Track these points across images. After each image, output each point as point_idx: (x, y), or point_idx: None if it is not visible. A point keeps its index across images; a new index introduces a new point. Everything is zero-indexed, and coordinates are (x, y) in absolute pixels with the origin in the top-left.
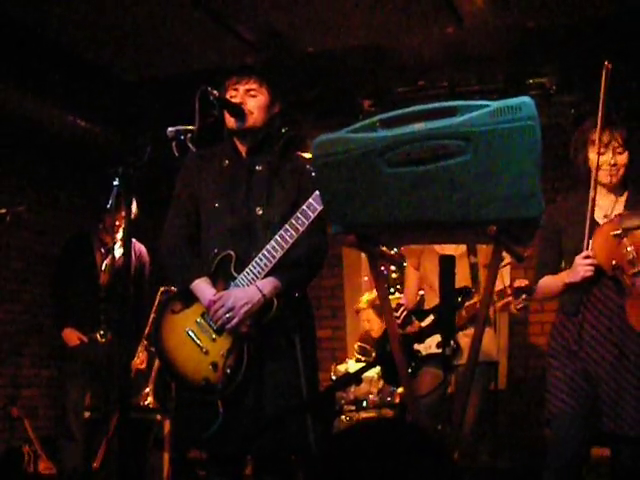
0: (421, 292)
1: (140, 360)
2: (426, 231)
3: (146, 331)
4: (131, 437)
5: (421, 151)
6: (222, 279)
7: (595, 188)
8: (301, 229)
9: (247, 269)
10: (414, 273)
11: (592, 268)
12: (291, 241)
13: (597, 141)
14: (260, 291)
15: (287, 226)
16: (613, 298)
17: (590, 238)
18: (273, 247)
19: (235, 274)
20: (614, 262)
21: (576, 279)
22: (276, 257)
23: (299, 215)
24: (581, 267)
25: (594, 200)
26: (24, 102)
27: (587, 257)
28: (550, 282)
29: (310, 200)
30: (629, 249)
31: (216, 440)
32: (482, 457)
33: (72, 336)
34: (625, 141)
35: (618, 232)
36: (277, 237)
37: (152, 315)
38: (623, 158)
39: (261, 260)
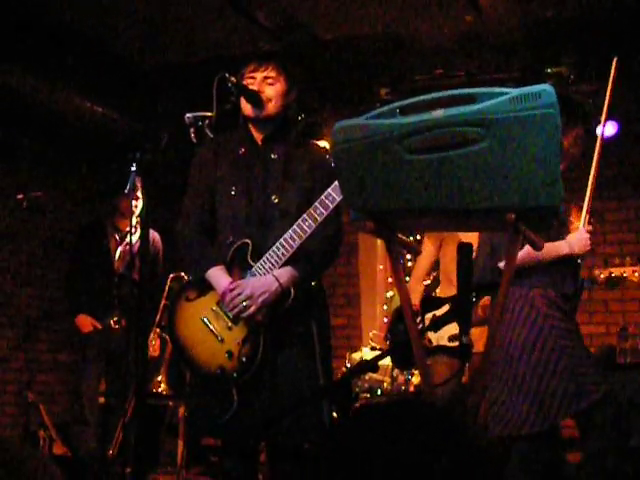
0: (426, 282)
1: (153, 348)
2: (444, 218)
3: (157, 318)
4: (146, 423)
5: (440, 138)
6: (238, 268)
7: (597, 167)
8: (319, 219)
9: (264, 258)
10: (430, 254)
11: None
12: (309, 231)
13: (601, 135)
14: (277, 280)
15: (305, 216)
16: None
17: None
18: (291, 236)
19: (252, 263)
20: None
21: (582, 251)
22: (293, 247)
23: (318, 205)
24: (587, 240)
25: (595, 177)
26: (40, 88)
27: (589, 232)
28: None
29: (329, 190)
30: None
31: (229, 427)
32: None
33: (85, 322)
34: None
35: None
36: (295, 227)
37: (163, 302)
38: None
39: (278, 249)
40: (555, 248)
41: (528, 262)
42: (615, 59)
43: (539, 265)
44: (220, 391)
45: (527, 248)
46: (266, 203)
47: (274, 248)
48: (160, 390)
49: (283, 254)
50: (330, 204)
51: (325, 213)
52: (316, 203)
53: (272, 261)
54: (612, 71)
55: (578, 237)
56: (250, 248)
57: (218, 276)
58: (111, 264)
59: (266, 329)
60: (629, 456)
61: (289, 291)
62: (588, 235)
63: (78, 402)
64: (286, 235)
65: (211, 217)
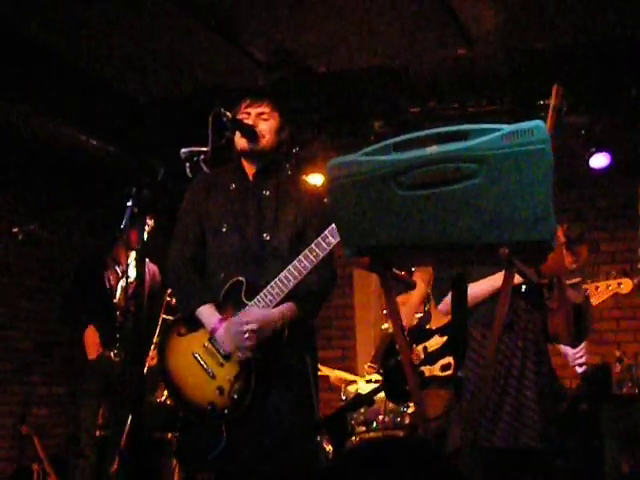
0: (418, 314)
1: (151, 357)
2: (438, 253)
3: (157, 331)
4: (143, 457)
5: (434, 174)
6: (232, 305)
7: None
8: (315, 261)
9: (259, 297)
10: (420, 290)
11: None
12: (305, 272)
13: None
14: (282, 315)
15: (301, 257)
16: (523, 308)
17: None
18: (286, 276)
19: (246, 301)
20: (551, 270)
21: (516, 281)
22: (289, 287)
23: (314, 247)
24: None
25: None
26: (37, 121)
27: None
28: (470, 290)
29: (326, 232)
30: (572, 259)
31: (219, 463)
32: None
33: (93, 341)
34: None
35: (563, 242)
36: (291, 267)
37: (162, 316)
38: None
39: (273, 289)
40: (489, 282)
41: (471, 302)
42: (555, 86)
43: (479, 302)
44: (210, 426)
45: None
46: (258, 240)
47: (269, 287)
48: (164, 399)
49: (278, 294)
50: (327, 246)
51: (322, 255)
52: (312, 245)
53: (267, 300)
54: (552, 97)
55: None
56: (244, 286)
57: (208, 314)
58: (111, 297)
59: (258, 366)
60: None
61: (283, 330)
62: None
63: (76, 435)
64: (281, 275)
65: (200, 251)
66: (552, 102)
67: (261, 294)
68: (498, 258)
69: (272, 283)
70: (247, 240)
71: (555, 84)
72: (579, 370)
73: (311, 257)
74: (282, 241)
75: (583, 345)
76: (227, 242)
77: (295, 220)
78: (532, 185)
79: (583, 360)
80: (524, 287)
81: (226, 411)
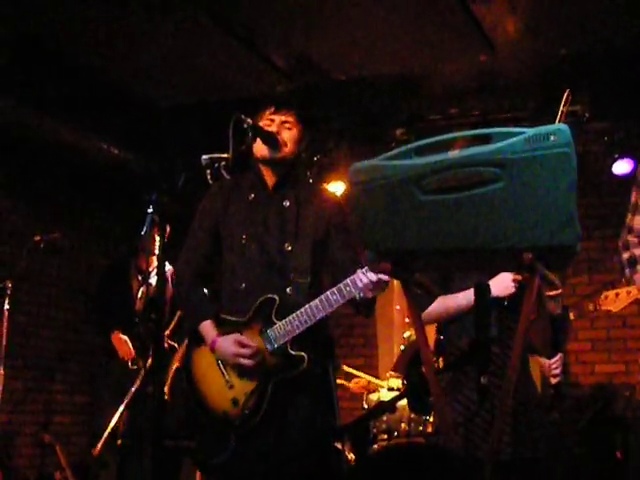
0: None
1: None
2: (461, 258)
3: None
4: (164, 465)
5: (456, 178)
6: (260, 322)
7: None
8: (347, 297)
9: (286, 320)
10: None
11: (517, 284)
12: (335, 306)
13: None
14: None
15: (335, 290)
16: (507, 320)
17: None
18: (317, 306)
19: (275, 320)
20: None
21: (503, 293)
22: (317, 317)
23: (349, 282)
24: (510, 281)
25: None
26: (58, 130)
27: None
28: (446, 302)
29: (361, 272)
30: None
31: (227, 469)
32: None
33: (123, 340)
34: None
35: None
36: (322, 297)
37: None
38: None
39: (302, 315)
40: (467, 295)
41: (447, 314)
42: (567, 91)
43: (458, 314)
44: (221, 433)
45: (439, 300)
46: (279, 250)
47: (298, 313)
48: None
49: (306, 321)
50: (360, 284)
51: (354, 292)
52: (347, 280)
53: (294, 325)
54: (562, 102)
55: (498, 280)
56: (276, 305)
57: (206, 331)
58: (133, 304)
59: (275, 385)
60: None
61: (302, 357)
62: (511, 276)
63: (96, 443)
64: (312, 303)
65: (209, 263)
66: (562, 107)
67: (289, 318)
68: (521, 263)
69: (302, 309)
70: (268, 251)
71: (567, 90)
72: (553, 381)
73: (344, 292)
74: (303, 251)
75: (559, 356)
76: (247, 252)
77: (316, 230)
78: (556, 189)
79: (558, 372)
80: (506, 301)
81: (236, 422)
